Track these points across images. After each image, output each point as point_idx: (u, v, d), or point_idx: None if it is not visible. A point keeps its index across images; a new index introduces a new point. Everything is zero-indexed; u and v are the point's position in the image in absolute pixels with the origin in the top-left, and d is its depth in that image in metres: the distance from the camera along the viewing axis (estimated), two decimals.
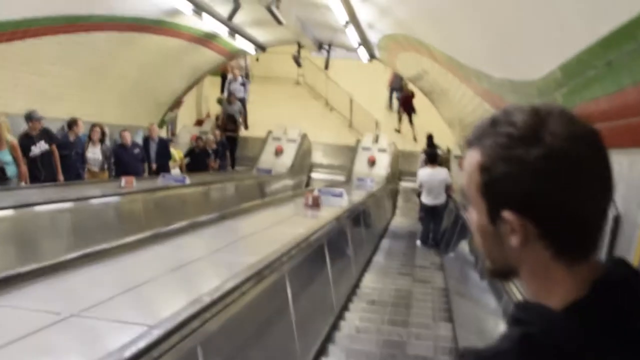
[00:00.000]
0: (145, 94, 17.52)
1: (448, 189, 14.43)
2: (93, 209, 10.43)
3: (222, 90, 24.28)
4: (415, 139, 24.95)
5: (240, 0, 13.49)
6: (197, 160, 18.39)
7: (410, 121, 25.14)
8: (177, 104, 20.26)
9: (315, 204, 11.55)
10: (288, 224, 9.32)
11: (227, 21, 13.60)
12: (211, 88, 25.83)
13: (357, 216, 12.42)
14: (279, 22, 13.30)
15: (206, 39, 17.05)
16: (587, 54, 4.14)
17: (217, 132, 20.57)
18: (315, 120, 25.64)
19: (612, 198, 1.27)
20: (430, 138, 19.87)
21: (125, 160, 14.27)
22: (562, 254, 1.24)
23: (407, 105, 24.95)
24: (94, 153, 13.57)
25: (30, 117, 11.93)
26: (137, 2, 13.20)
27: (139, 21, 13.99)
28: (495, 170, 1.24)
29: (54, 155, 12.20)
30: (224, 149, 20.11)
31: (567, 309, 1.23)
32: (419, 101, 22.06)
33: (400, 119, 25.77)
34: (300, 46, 19.38)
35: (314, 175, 23.74)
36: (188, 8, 13.78)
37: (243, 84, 23.61)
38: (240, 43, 18.14)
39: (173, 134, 22.70)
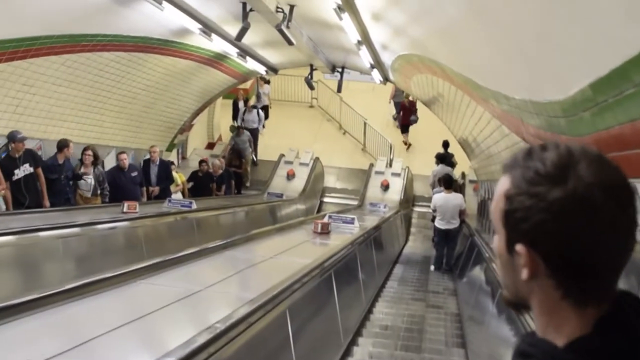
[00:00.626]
0: (154, 116, 17.10)
1: (462, 213, 14.71)
2: (93, 235, 9.98)
3: (234, 117, 23.84)
4: (407, 146, 25.35)
5: (250, 20, 13.05)
6: (200, 185, 17.78)
7: (406, 130, 25.15)
8: (187, 126, 19.82)
9: (325, 231, 11.06)
10: (295, 253, 8.80)
11: (236, 41, 13.13)
12: (223, 111, 25.45)
13: (369, 243, 11.93)
14: (289, 42, 12.85)
15: (216, 60, 16.63)
16: (624, 70, 3.64)
17: (224, 160, 20.19)
18: (329, 143, 25.31)
19: (633, 249, 1.26)
20: (445, 145, 19.83)
21: (122, 183, 13.66)
22: (570, 296, 1.26)
23: (406, 114, 24.82)
24: (86, 177, 12.88)
25: (12, 138, 11.25)
26: (144, 22, 12.79)
27: (146, 41, 13.58)
28: (516, 201, 1.27)
29: (39, 179, 11.58)
30: (229, 177, 19.39)
31: (569, 346, 1.26)
32: (434, 126, 21.56)
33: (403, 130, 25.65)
34: (312, 68, 18.92)
35: (326, 199, 23.23)
36: (196, 27, 13.36)
37: (258, 114, 23.07)
38: (251, 64, 17.71)
39: (183, 157, 22.28)
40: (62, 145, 12.36)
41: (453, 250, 15.19)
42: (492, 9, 5.94)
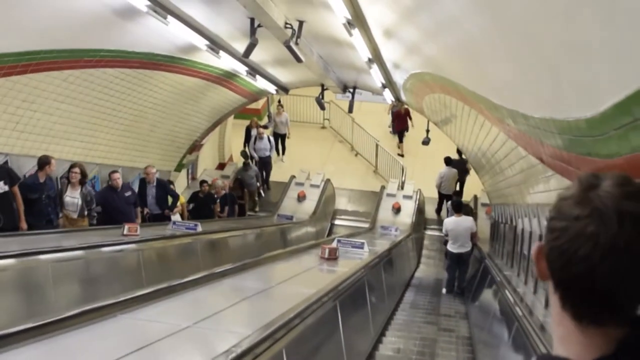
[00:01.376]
0: (161, 136, 16.60)
1: (473, 236, 14.94)
2: (91, 259, 9.46)
3: (246, 142, 23.20)
4: (402, 155, 25.24)
5: (258, 37, 12.57)
6: (201, 206, 16.90)
7: (401, 140, 25.15)
8: (196, 146, 19.32)
9: (332, 257, 10.48)
10: (299, 281, 8.21)
11: (243, 58, 12.63)
12: (234, 131, 25.00)
13: (379, 269, 11.35)
14: (298, 59, 12.35)
15: (225, 79, 16.14)
16: None
17: (227, 181, 19.65)
18: (340, 165, 24.87)
19: None
20: (459, 151, 19.63)
21: (115, 204, 12.84)
22: (583, 322, 1.23)
23: (400, 123, 24.66)
24: (73, 197, 11.94)
25: None
26: (149, 37, 12.32)
27: (152, 57, 13.11)
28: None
29: (15, 198, 10.74)
30: (233, 199, 18.64)
31: None
32: (448, 148, 21.06)
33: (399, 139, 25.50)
34: (323, 88, 18.41)
35: (337, 222, 22.71)
36: (203, 44, 12.88)
37: (269, 140, 22.33)
38: (261, 83, 17.22)
39: (193, 177, 21.75)
40: (43, 162, 11.41)
41: (465, 274, 15.36)
42: (513, 21, 5.40)
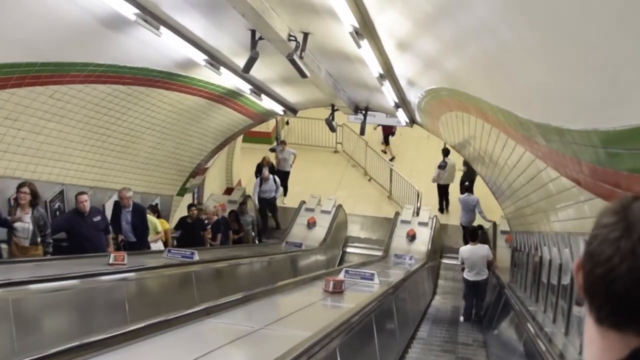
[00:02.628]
0: (161, 158, 15.62)
1: (490, 264, 15.05)
2: (70, 291, 8.44)
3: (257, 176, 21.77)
4: (391, 158, 25.11)
5: (263, 53, 11.60)
6: (189, 233, 15.52)
7: (387, 142, 24.83)
8: (200, 170, 18.34)
9: (337, 290, 9.40)
10: (294, 321, 7.13)
11: (244, 73, 11.63)
12: (243, 154, 24.09)
13: (389, 303, 10.27)
14: (303, 75, 11.34)
15: (228, 98, 15.16)
16: None
17: (221, 205, 18.57)
18: (353, 190, 23.93)
19: None
20: (465, 163, 19.05)
21: (82, 230, 11.45)
22: (604, 326, 1.21)
23: (386, 127, 24.21)
24: (23, 221, 10.38)
25: None
26: (142, 51, 11.38)
27: (147, 73, 12.16)
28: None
29: None
30: (227, 225, 17.36)
31: None
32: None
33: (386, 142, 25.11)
34: (334, 109, 17.41)
35: (349, 249, 21.67)
36: (201, 59, 11.93)
37: (275, 181, 20.67)
38: (267, 103, 16.23)
39: (199, 202, 20.79)
40: None
41: (482, 302, 15.39)
42: (556, 20, 4.39)
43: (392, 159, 25.00)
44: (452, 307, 17.70)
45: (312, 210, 21.29)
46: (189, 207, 16.31)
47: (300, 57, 10.96)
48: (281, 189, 21.19)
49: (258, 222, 20.45)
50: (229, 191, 22.98)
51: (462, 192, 20.44)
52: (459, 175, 21.94)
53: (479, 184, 18.76)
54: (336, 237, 21.03)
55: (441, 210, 22.76)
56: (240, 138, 22.80)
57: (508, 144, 9.09)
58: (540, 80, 5.74)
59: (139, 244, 12.89)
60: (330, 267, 18.32)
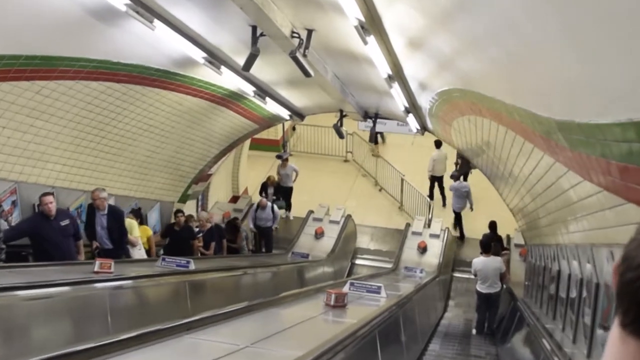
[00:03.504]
0: (161, 162, 14.94)
1: (503, 277, 14.94)
2: (55, 299, 7.78)
3: (261, 194, 20.50)
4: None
5: (268, 54, 10.98)
6: (177, 242, 14.40)
7: (376, 141, 23.84)
8: (203, 176, 17.67)
9: (339, 304, 8.64)
10: (286, 338, 6.37)
11: (244, 71, 10.96)
12: (250, 162, 23.44)
13: (397, 318, 9.54)
14: (306, 73, 10.67)
15: (230, 100, 14.48)
16: None
17: (226, 213, 17.80)
18: (363, 200, 23.23)
19: None
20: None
21: (47, 235, 10.16)
22: (626, 330, 1.17)
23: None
24: None
25: None
26: (137, 47, 10.74)
27: (143, 71, 11.52)
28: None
29: None
30: (220, 234, 16.27)
31: None
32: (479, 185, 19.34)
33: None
34: (342, 114, 16.75)
35: (358, 261, 20.91)
36: (200, 56, 11.28)
37: (273, 211, 18.98)
38: (272, 107, 15.57)
39: (204, 210, 20.14)
40: None
41: (495, 314, 15.31)
42: (581, 4, 3.73)
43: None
44: (464, 320, 17.13)
45: (320, 220, 20.60)
46: (175, 213, 15.29)
47: (304, 55, 10.31)
48: (279, 219, 19.79)
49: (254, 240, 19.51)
50: (234, 199, 22.34)
51: (455, 181, 20.94)
52: (450, 167, 22.60)
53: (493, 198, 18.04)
54: (345, 248, 20.30)
55: (431, 197, 22.68)
56: (247, 145, 22.19)
57: (525, 148, 8.36)
58: (564, 73, 5.04)
59: (115, 251, 11.47)
60: (338, 279, 17.59)
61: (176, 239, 14.56)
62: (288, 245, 19.68)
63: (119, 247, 11.72)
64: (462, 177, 21.14)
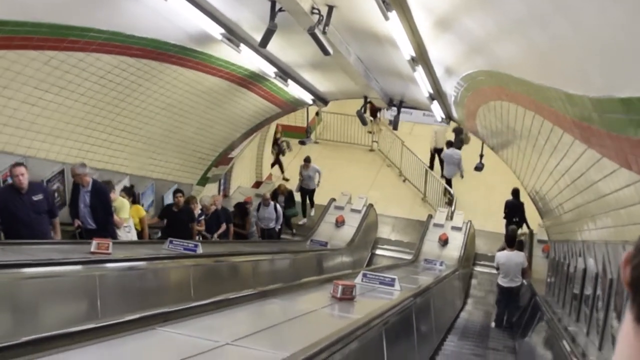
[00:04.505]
0: (178, 143, 14.20)
1: (524, 272, 14.72)
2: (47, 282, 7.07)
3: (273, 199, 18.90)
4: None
5: (288, 31, 10.18)
6: (175, 224, 13.10)
7: (374, 116, 23.69)
8: (224, 159, 16.91)
9: (347, 296, 7.83)
10: (278, 335, 5.54)
11: (260, 47, 10.14)
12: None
13: (408, 313, 8.70)
14: (325, 51, 9.84)
15: (251, 81, 13.68)
16: None
17: (247, 198, 16.96)
18: (386, 190, 22.42)
19: None
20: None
21: (17, 211, 8.96)
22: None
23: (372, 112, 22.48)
24: None
25: None
26: (151, 19, 9.98)
27: (159, 46, 10.77)
28: None
29: None
30: (228, 218, 15.27)
31: None
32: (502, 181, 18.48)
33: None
34: (367, 101, 15.90)
35: (378, 251, 20.12)
36: (217, 32, 10.51)
37: (276, 209, 17.58)
38: (294, 90, 14.75)
39: (225, 194, 19.43)
40: None
41: (515, 309, 15.15)
42: None
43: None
44: (483, 314, 16.54)
45: (341, 208, 19.77)
46: (175, 193, 13.83)
47: (324, 32, 9.49)
48: (282, 219, 18.01)
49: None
50: (257, 185, 21.61)
51: (447, 148, 21.78)
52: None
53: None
54: (365, 238, 19.50)
55: (431, 167, 22.93)
56: (272, 129, 21.42)
57: (553, 134, 7.47)
58: (603, 41, 4.19)
59: (99, 231, 10.17)
60: (356, 269, 16.77)
61: (174, 221, 13.27)
62: (308, 232, 18.88)
63: (104, 228, 10.49)
64: (452, 146, 21.85)
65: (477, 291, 18.88)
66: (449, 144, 21.72)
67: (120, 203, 11.56)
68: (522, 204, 18.14)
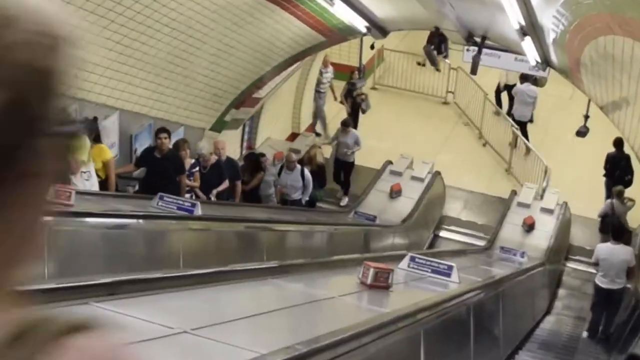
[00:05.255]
0: (186, 74, 13.82)
1: (630, 272, 14.46)
2: None
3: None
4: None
5: None
6: (156, 174, 12.27)
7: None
8: (248, 99, 16.47)
9: (380, 284, 7.41)
10: (265, 325, 5.16)
11: None
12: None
13: (463, 317, 8.26)
14: None
15: None
16: None
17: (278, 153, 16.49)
18: (461, 155, 22.25)
19: None
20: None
21: None
22: None
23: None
24: None
25: None
26: None
27: None
28: None
29: None
30: (234, 174, 14.49)
31: None
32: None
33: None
34: (439, 33, 15.31)
35: (443, 233, 19.87)
36: None
37: (303, 177, 16.33)
38: (342, 12, 14.18)
39: (250, 147, 19.00)
40: None
41: (614, 316, 15.02)
42: None
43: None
44: (573, 322, 16.48)
45: (399, 174, 19.38)
46: (157, 132, 12.88)
47: None
48: (310, 189, 16.73)
49: None
50: (293, 137, 21.19)
51: (521, 83, 21.75)
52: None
53: None
54: (427, 214, 19.21)
55: (499, 104, 23.49)
56: (317, 67, 20.91)
57: None
58: None
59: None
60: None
61: (156, 170, 12.43)
62: (353, 202, 18.47)
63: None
64: (527, 80, 21.52)
65: (568, 293, 18.53)
66: (524, 78, 21.39)
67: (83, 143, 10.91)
68: (627, 157, 18.01)
